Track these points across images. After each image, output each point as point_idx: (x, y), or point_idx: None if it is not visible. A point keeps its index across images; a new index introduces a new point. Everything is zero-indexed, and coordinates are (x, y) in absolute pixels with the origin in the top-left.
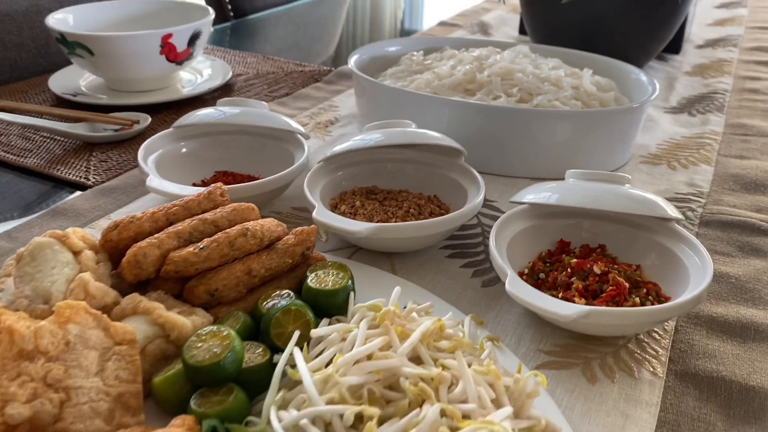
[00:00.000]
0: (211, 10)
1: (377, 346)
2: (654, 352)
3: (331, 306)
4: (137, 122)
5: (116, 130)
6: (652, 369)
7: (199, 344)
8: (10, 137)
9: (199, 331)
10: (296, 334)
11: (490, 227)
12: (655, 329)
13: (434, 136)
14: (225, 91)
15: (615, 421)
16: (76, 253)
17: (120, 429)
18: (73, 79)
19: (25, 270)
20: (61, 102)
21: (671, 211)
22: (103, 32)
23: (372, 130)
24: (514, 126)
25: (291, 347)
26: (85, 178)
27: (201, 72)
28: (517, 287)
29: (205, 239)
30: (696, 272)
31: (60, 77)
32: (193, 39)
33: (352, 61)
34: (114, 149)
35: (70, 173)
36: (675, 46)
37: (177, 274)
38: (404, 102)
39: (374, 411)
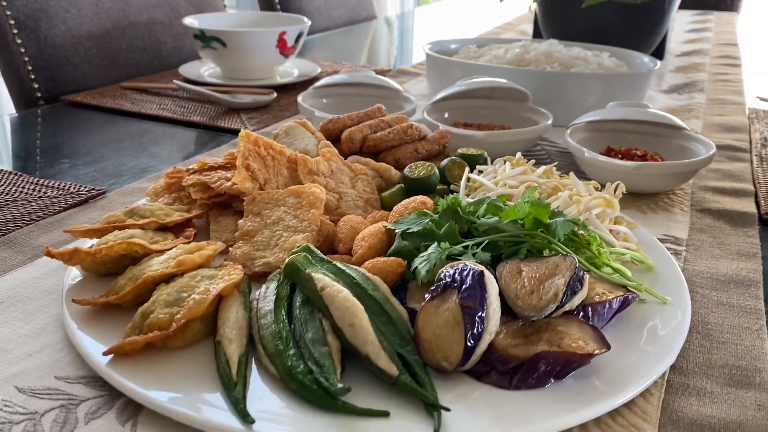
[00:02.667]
0: (306, 18)
1: (520, 171)
2: (680, 202)
3: (475, 164)
4: (272, 92)
5: (252, 101)
6: (681, 209)
7: (413, 168)
8: (168, 105)
9: (410, 164)
10: (467, 169)
11: (551, 147)
12: (676, 193)
13: (508, 82)
14: (312, 81)
15: (663, 228)
16: (311, 133)
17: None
18: (196, 70)
19: (284, 141)
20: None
21: (681, 122)
22: (236, 28)
23: (461, 82)
24: (560, 86)
25: (467, 173)
26: (244, 127)
27: (295, 67)
28: (593, 155)
29: (387, 128)
30: (703, 153)
31: (186, 69)
32: (298, 37)
33: (428, 48)
34: (254, 112)
35: (230, 125)
36: (659, 53)
37: (374, 149)
38: (475, 74)
39: (534, 185)
